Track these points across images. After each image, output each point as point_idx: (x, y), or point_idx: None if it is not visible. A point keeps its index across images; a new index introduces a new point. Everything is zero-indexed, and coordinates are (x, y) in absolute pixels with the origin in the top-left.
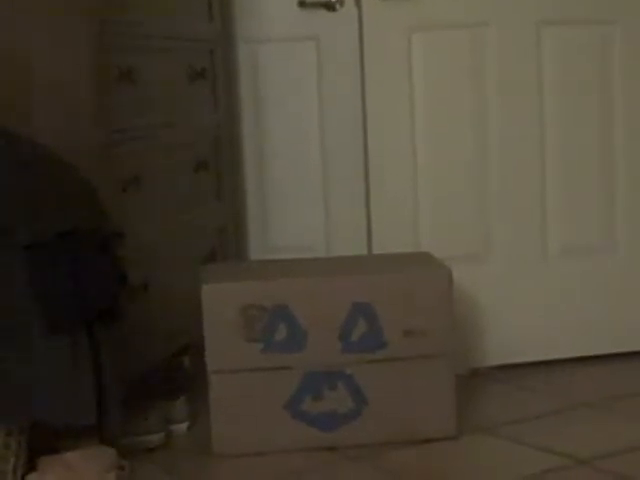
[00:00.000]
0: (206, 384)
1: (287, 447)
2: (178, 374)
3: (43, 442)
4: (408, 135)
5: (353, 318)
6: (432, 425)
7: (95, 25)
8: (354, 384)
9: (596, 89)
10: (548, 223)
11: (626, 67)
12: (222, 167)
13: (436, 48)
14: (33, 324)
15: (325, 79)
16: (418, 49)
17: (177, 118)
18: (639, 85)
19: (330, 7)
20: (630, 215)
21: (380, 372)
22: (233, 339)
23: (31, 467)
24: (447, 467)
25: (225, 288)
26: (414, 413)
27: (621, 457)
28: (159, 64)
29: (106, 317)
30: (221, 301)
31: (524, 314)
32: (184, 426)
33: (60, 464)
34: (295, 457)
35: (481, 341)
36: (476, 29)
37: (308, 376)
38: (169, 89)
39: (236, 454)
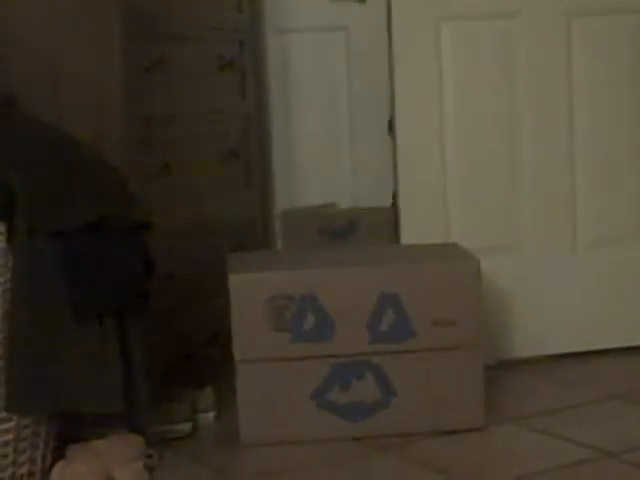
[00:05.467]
0: (233, 373)
1: (314, 437)
2: (206, 363)
3: (72, 430)
4: (437, 126)
5: (381, 308)
6: (460, 416)
7: (124, 15)
8: (382, 374)
9: (626, 78)
10: (578, 214)
11: None
12: (251, 156)
13: (465, 38)
14: (62, 311)
15: (354, 69)
16: (447, 39)
17: (206, 107)
18: None
19: None
20: None
21: (408, 362)
22: (261, 329)
23: (60, 455)
24: (474, 458)
25: (253, 278)
26: (442, 404)
27: None
28: (189, 54)
29: (134, 305)
30: (249, 291)
31: (553, 306)
32: (211, 415)
33: (88, 452)
34: (322, 447)
35: (510, 332)
36: (505, 19)
37: (336, 366)
38: (199, 79)
39: (263, 444)
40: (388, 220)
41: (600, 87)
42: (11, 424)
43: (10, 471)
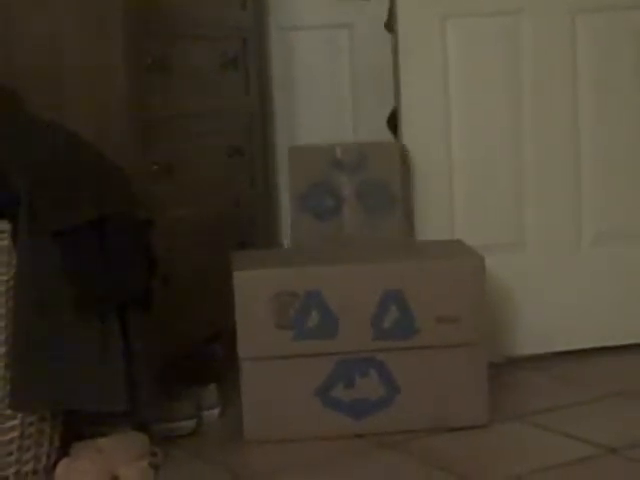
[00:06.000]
0: (237, 371)
1: (318, 434)
2: (210, 361)
3: (76, 428)
4: (442, 124)
5: (385, 305)
6: (464, 413)
7: (126, 13)
8: (386, 371)
9: (631, 76)
10: (581, 212)
11: None
12: (255, 154)
13: (471, 35)
14: (65, 308)
15: (358, 67)
16: (453, 36)
17: (210, 105)
18: None
19: None
20: None
21: (412, 359)
22: (265, 326)
23: (64, 452)
24: (478, 455)
25: (257, 275)
26: (446, 401)
27: None
28: (192, 52)
29: (137, 302)
30: (253, 288)
31: (557, 303)
32: (215, 412)
33: (93, 450)
34: (326, 444)
35: (514, 330)
36: (511, 16)
37: (340, 363)
38: (202, 76)
39: (267, 441)
40: (398, 153)
41: (604, 84)
42: (15, 422)
43: (15, 468)
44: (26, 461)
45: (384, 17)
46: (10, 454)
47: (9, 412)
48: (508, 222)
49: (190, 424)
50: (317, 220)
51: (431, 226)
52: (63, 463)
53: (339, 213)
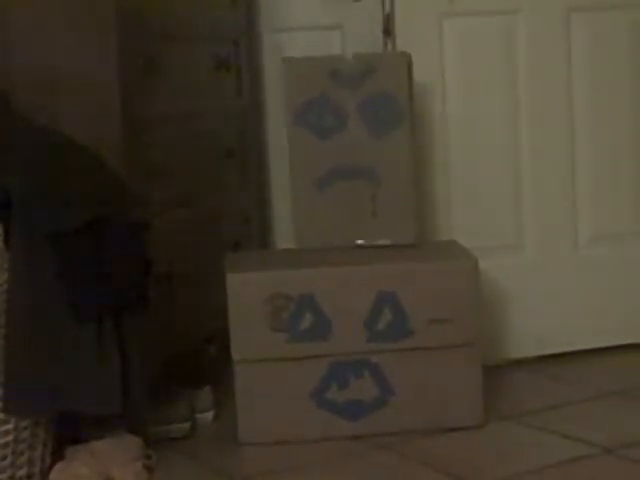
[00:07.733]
0: (232, 373)
1: (313, 436)
2: (204, 363)
3: (71, 431)
4: (439, 124)
5: (378, 307)
6: (458, 414)
7: (121, 14)
8: (380, 373)
9: (626, 74)
10: (579, 212)
11: None
12: (247, 156)
13: (467, 34)
14: (61, 312)
15: None
16: (449, 36)
17: (202, 107)
18: None
19: None
20: None
21: (406, 361)
22: (258, 328)
23: (59, 456)
24: (473, 456)
25: (250, 277)
26: (440, 402)
27: None
28: (184, 53)
29: (132, 305)
30: (246, 290)
31: (556, 304)
32: (210, 415)
33: (87, 453)
34: (321, 446)
35: (513, 332)
36: (507, 15)
37: (334, 365)
38: (194, 78)
39: (261, 443)
40: (407, 64)
41: (601, 84)
42: (9, 426)
43: (9, 473)
44: (20, 465)
45: (375, 18)
46: (4, 458)
47: (3, 416)
48: (505, 224)
49: (185, 426)
50: (318, 138)
51: (428, 229)
52: (58, 467)
53: (342, 130)
